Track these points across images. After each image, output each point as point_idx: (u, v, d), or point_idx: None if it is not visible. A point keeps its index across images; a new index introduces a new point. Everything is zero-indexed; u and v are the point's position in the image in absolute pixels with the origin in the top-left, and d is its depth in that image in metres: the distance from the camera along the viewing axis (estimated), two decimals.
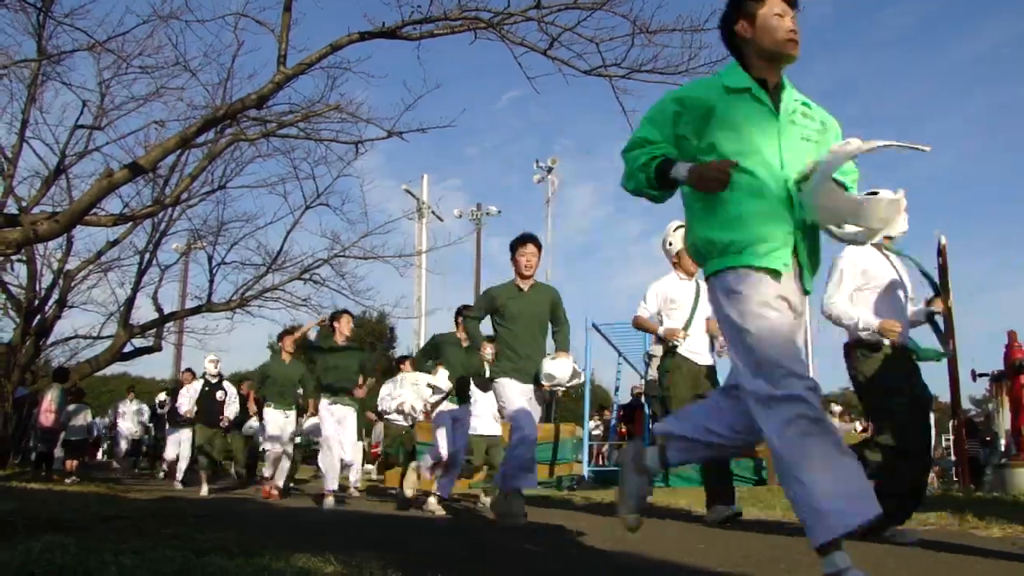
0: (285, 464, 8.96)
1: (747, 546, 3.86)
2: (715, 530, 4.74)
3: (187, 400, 10.39)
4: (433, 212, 24.64)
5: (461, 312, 6.59)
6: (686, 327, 5.22)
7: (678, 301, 5.28)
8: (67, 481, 10.93)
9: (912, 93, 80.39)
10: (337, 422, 7.36)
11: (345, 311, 7.76)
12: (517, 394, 5.09)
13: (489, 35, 7.44)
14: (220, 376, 10.63)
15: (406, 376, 7.10)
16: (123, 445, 16.11)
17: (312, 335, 8.88)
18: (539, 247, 5.39)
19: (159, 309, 14.68)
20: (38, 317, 13.51)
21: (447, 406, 6.75)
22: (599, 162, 75.72)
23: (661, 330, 5.27)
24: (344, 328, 7.53)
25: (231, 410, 10.48)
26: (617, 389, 15.50)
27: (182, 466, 11.47)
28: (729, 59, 2.66)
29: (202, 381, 10.44)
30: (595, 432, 14.27)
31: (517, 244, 5.31)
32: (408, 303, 18.96)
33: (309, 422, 9.51)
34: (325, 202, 13.66)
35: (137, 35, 9.74)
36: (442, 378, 6.68)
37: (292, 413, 8.91)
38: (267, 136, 9.92)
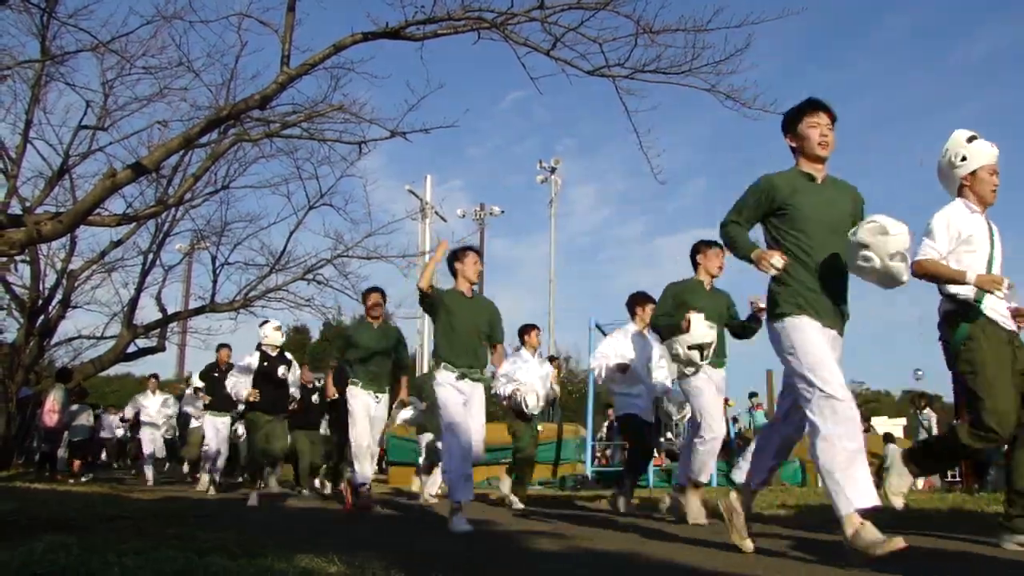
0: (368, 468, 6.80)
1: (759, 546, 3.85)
2: (718, 529, 4.73)
3: (243, 379, 7.51)
4: (436, 212, 24.63)
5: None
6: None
7: (974, 240, 3.86)
8: (71, 482, 10.96)
9: (914, 93, 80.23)
10: (463, 403, 5.34)
11: (471, 248, 5.80)
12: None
13: (492, 35, 7.43)
14: (282, 348, 7.81)
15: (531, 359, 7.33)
16: (149, 449, 12.35)
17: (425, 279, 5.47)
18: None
19: (163, 309, 14.71)
20: (42, 317, 13.53)
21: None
22: (602, 162, 75.73)
23: (972, 276, 3.75)
24: (470, 273, 5.58)
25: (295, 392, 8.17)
26: None
27: (215, 464, 9.71)
28: (734, 58, 2.64)
29: (258, 355, 7.60)
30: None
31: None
32: (411, 303, 18.96)
33: (405, 413, 8.26)
34: (328, 202, 13.65)
35: (141, 35, 9.74)
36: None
37: (384, 397, 6.91)
38: (270, 136, 9.92)
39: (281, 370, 7.57)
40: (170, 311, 14.91)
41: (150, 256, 14.49)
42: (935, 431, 14.42)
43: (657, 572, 3.26)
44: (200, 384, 10.14)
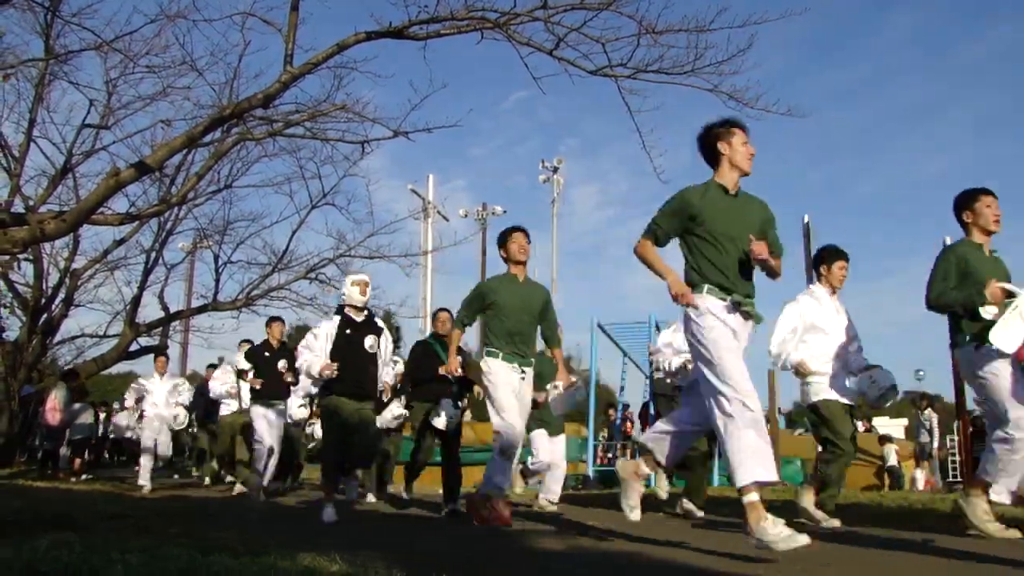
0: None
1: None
2: (719, 529, 4.73)
3: (317, 351, 5.58)
4: (439, 212, 24.66)
5: None
6: None
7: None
8: (73, 480, 10.98)
9: (913, 93, 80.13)
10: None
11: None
12: None
13: (495, 35, 7.44)
14: (370, 313, 5.89)
15: None
16: (150, 442, 9.90)
17: None
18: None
19: (165, 308, 14.75)
20: (44, 316, 13.56)
21: None
22: (605, 162, 75.68)
23: None
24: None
25: (389, 373, 6.75)
26: (622, 389, 15.52)
27: (268, 463, 8.00)
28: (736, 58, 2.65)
29: (336, 321, 5.70)
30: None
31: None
32: (413, 303, 19.04)
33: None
34: (331, 202, 13.67)
35: (144, 34, 9.77)
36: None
37: (530, 372, 5.28)
38: (273, 135, 9.93)
39: (369, 341, 5.66)
40: (173, 310, 14.97)
41: (153, 255, 14.54)
42: (936, 431, 14.43)
43: (657, 572, 3.27)
44: (246, 366, 8.31)
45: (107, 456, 19.62)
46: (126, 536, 3.41)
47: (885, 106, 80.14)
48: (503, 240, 5.32)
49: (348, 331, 5.65)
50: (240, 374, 8.62)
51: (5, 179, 11.43)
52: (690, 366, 5.09)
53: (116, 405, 16.89)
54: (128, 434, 15.94)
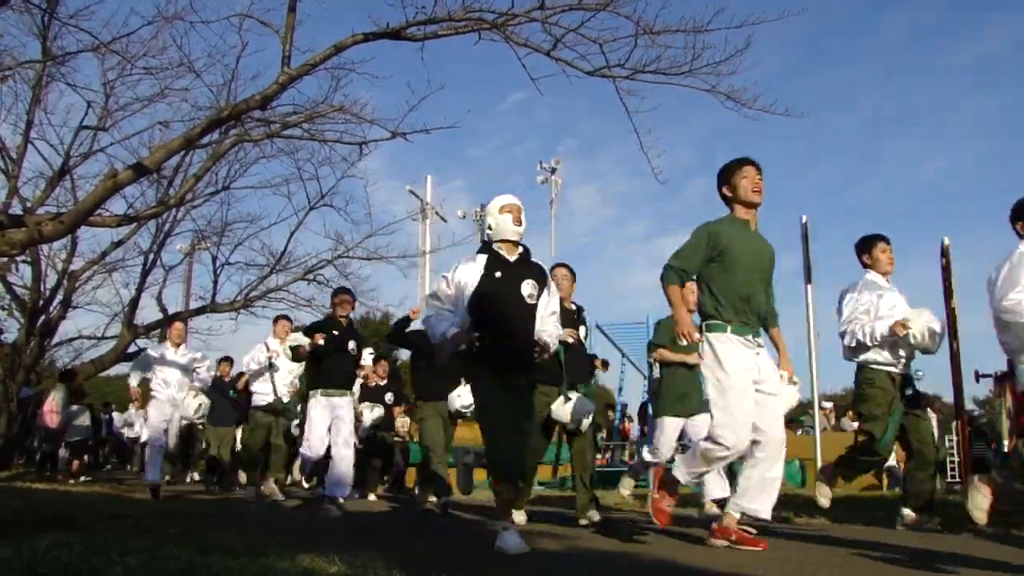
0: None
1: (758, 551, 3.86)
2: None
3: (448, 305, 4.17)
4: (437, 213, 24.62)
5: None
6: None
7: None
8: (72, 482, 10.97)
9: (914, 94, 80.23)
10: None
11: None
12: None
13: (493, 36, 7.44)
14: (527, 250, 4.35)
15: None
16: (159, 432, 8.00)
17: None
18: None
19: (163, 309, 14.76)
20: (42, 317, 13.55)
21: None
22: (602, 163, 75.72)
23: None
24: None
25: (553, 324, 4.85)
26: (621, 389, 15.54)
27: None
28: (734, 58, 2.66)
29: (481, 261, 4.15)
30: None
31: None
32: (411, 304, 18.97)
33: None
34: (329, 203, 13.66)
35: (142, 36, 9.74)
36: None
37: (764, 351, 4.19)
38: (271, 137, 9.92)
39: (527, 287, 4.13)
40: (171, 311, 14.94)
41: (151, 256, 14.56)
42: (935, 432, 14.41)
43: (657, 572, 3.27)
44: (302, 341, 6.49)
45: (103, 456, 19.55)
46: (126, 536, 3.41)
47: (882, 106, 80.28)
48: (728, 175, 4.04)
49: (498, 274, 4.10)
50: (294, 353, 6.55)
51: (3, 181, 11.44)
52: (902, 331, 4.78)
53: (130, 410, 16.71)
54: (125, 431, 15.83)
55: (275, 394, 8.03)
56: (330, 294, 7.22)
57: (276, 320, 8.47)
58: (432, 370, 6.86)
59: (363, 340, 6.62)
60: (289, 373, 8.13)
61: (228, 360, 11.40)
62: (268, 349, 8.15)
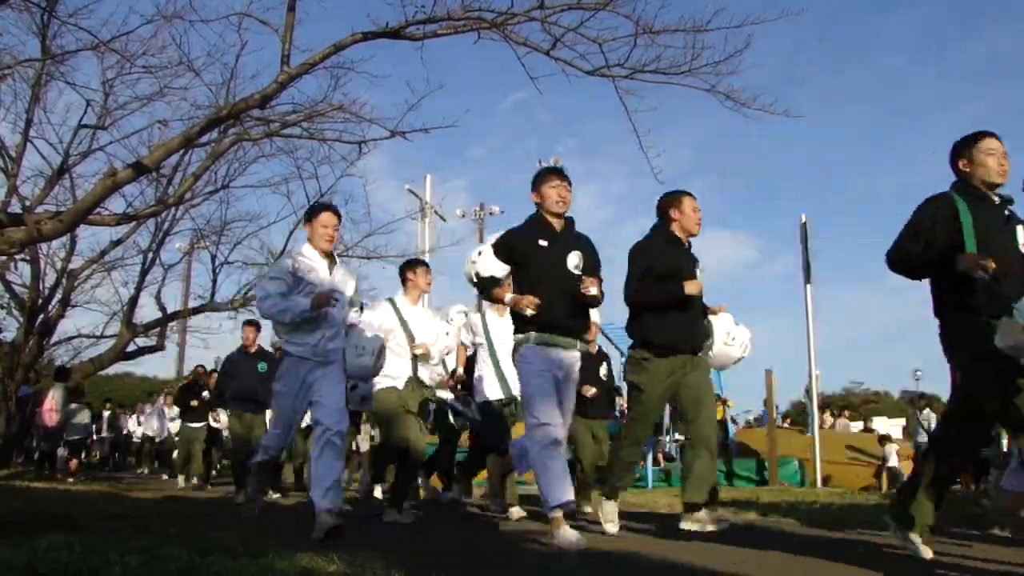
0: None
1: (759, 549, 3.86)
2: (721, 530, 4.73)
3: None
4: (436, 212, 24.61)
5: None
6: None
7: None
8: (71, 481, 10.97)
9: (914, 94, 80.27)
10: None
11: None
12: None
13: (492, 35, 7.43)
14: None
15: None
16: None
17: None
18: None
19: (162, 308, 14.75)
20: (41, 316, 13.55)
21: None
22: (602, 163, 75.75)
23: None
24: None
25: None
26: (620, 389, 15.52)
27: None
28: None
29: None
30: None
31: None
32: None
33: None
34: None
35: (141, 35, 9.71)
36: None
37: None
38: (270, 136, 9.92)
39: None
40: (170, 310, 14.96)
41: (150, 255, 14.53)
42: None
43: (657, 572, 3.27)
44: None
45: (107, 456, 19.51)
46: (126, 536, 3.41)
47: (881, 106, 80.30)
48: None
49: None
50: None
51: (2, 179, 11.43)
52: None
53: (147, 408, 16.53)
54: (140, 431, 15.71)
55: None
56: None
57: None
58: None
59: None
60: None
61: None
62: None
